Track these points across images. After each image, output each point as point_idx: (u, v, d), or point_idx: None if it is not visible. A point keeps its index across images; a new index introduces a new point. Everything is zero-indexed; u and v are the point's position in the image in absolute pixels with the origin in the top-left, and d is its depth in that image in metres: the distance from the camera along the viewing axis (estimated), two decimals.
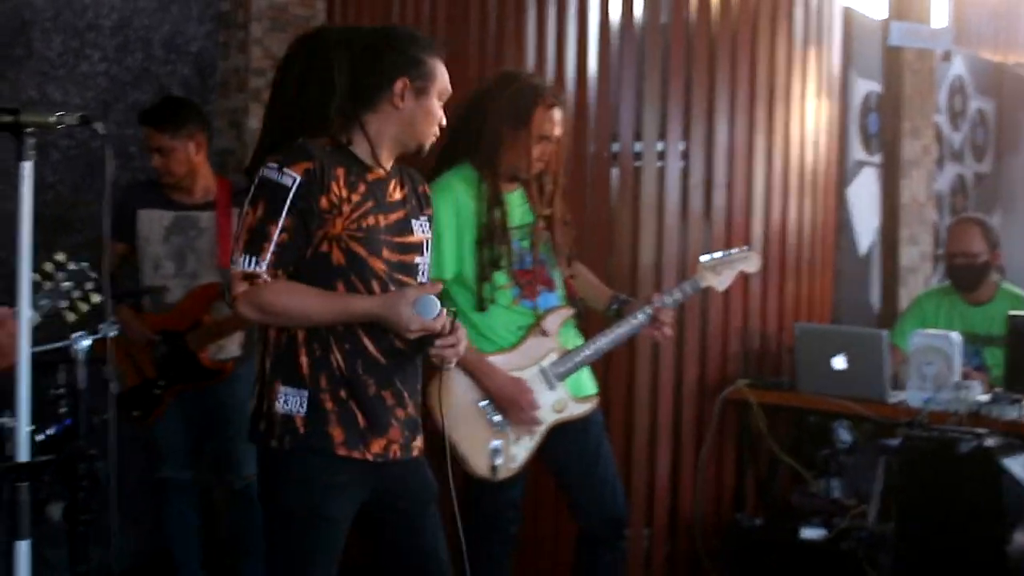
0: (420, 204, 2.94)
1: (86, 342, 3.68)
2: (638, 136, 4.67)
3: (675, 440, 4.66)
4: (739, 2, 4.84)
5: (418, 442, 2.90)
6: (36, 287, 2.75)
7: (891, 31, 5.78)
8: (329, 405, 2.73)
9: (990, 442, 3.79)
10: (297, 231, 2.68)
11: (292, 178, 2.65)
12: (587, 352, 3.66)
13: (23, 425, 2.33)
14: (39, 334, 3.33)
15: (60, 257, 2.94)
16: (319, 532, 2.74)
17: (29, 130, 2.31)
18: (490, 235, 3.52)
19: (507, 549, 3.71)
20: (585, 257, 4.05)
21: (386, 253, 2.78)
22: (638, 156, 4.67)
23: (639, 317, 3.70)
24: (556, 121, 3.57)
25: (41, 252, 2.59)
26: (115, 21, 4.89)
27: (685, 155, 4.70)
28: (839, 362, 4.51)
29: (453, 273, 3.53)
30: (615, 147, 4.64)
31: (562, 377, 3.61)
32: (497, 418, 3.52)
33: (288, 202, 2.65)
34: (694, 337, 4.69)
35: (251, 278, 2.66)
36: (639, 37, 4.63)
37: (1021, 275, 5.71)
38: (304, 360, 2.73)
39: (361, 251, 2.74)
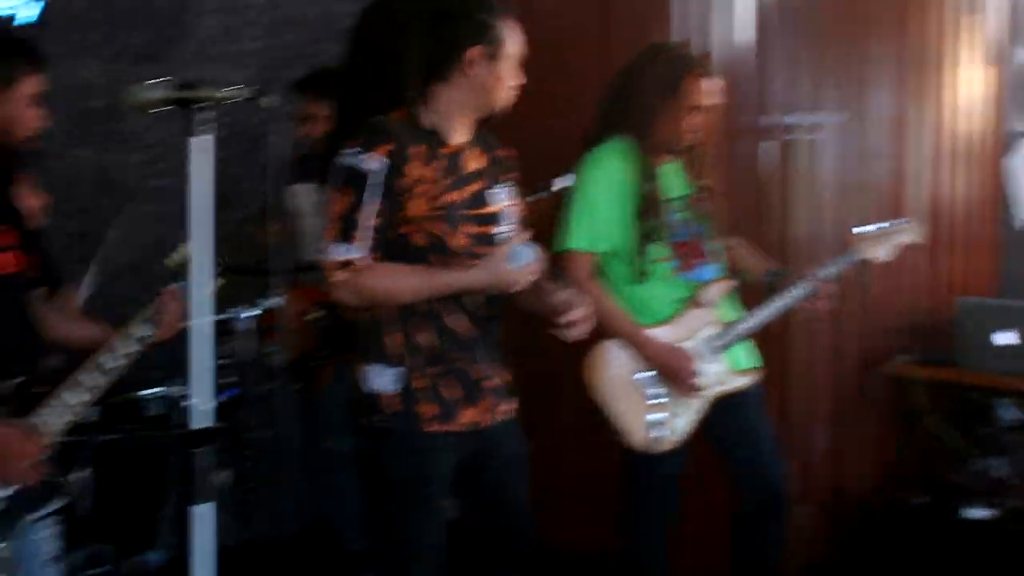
0: (499, 171, 2.94)
1: (249, 314, 3.78)
2: (789, 109, 4.58)
3: (833, 417, 4.57)
4: None
5: (507, 406, 2.96)
6: (174, 277, 2.89)
7: None
8: (418, 383, 2.79)
9: None
10: (384, 215, 2.73)
11: (376, 162, 2.71)
12: (746, 325, 3.61)
13: (199, 392, 2.37)
14: None
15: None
16: (423, 495, 2.83)
17: (198, 105, 2.34)
18: (646, 207, 3.49)
19: (666, 524, 3.68)
20: (736, 230, 4.00)
21: (465, 228, 2.81)
22: (789, 129, 4.58)
23: (798, 290, 3.64)
24: (707, 91, 3.53)
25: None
26: (269, 0, 4.98)
27: (837, 127, 4.60)
28: (1004, 338, 4.38)
29: (609, 247, 3.51)
30: (766, 120, 4.56)
31: (721, 350, 3.57)
32: (656, 391, 3.49)
33: (374, 187, 2.70)
34: (852, 311, 4.60)
35: (347, 265, 2.72)
36: (790, 7, 4.54)
37: None
38: (392, 339, 2.79)
39: (441, 230, 2.78)
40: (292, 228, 4.43)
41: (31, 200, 3.98)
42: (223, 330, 3.91)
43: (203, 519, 2.39)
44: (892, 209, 4.60)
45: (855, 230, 3.84)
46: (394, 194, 2.72)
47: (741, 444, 3.63)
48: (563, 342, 2.93)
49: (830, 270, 3.69)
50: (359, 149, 2.73)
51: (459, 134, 2.86)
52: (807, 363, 4.52)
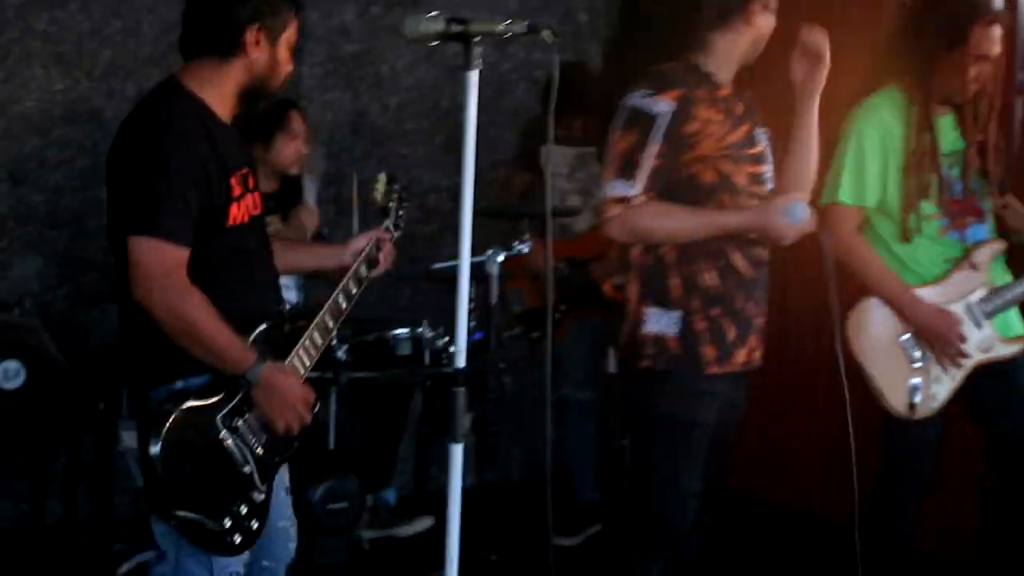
0: (756, 114, 3.02)
1: (500, 258, 3.77)
2: None
3: None
4: None
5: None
6: (384, 212, 3.00)
7: None
8: (701, 325, 2.86)
9: None
10: (668, 156, 2.81)
11: (664, 105, 2.80)
12: (1019, 290, 3.39)
13: (462, 333, 2.35)
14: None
15: (383, 177, 3.07)
16: (694, 438, 2.91)
17: (477, 39, 2.30)
18: (918, 162, 3.31)
19: (918, 492, 3.51)
20: (1015, 190, 3.77)
21: (744, 167, 2.90)
22: None
23: None
24: (995, 39, 3.30)
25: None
26: None
27: None
28: None
29: (876, 201, 3.34)
30: None
31: (990, 315, 3.36)
32: (918, 354, 3.32)
33: (661, 129, 2.79)
34: None
35: (624, 201, 2.81)
36: None
37: None
38: (674, 281, 2.86)
39: (729, 168, 2.87)
40: (543, 184, 4.41)
41: (290, 147, 4.07)
42: (472, 273, 3.91)
43: (457, 457, 2.37)
44: None
45: None
46: (680, 136, 2.81)
47: (1006, 415, 3.43)
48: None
49: None
50: (648, 92, 2.82)
51: (728, 80, 2.95)
52: None
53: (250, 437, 2.57)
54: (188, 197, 2.47)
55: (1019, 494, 3.48)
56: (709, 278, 2.86)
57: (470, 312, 3.99)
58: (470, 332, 3.96)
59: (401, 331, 3.88)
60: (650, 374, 2.89)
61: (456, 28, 2.32)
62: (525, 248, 3.90)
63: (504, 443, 4.98)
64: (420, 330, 3.89)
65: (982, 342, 3.36)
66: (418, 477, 4.24)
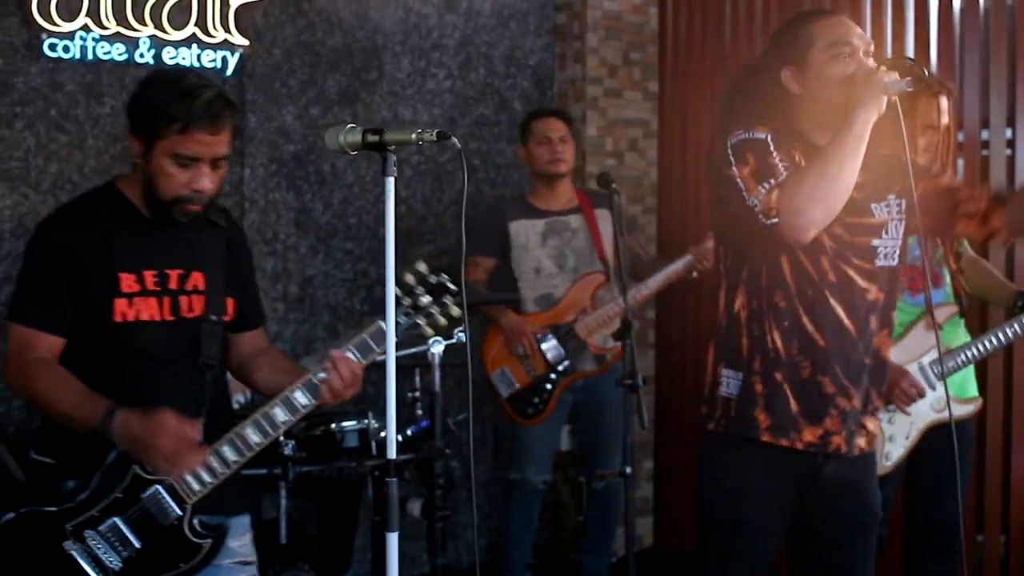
0: (883, 182, 2.70)
1: (440, 347, 3.87)
2: (985, 124, 4.44)
3: None
4: None
5: (861, 441, 2.72)
6: (396, 302, 2.59)
7: None
8: (759, 388, 2.64)
9: None
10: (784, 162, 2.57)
11: (762, 132, 2.57)
12: (972, 351, 3.51)
13: (392, 424, 2.44)
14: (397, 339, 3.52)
15: (422, 268, 2.72)
16: (735, 536, 2.69)
17: (392, 148, 2.43)
18: None
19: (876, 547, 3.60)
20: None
21: (838, 231, 2.62)
22: (985, 144, 4.45)
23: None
24: (943, 109, 3.45)
25: (398, 264, 2.62)
26: (458, 40, 5.12)
27: None
28: None
29: None
30: (960, 136, 4.44)
31: (944, 376, 3.47)
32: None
33: (771, 145, 2.55)
34: None
35: (778, 188, 2.50)
36: (983, 19, 4.41)
37: None
38: (745, 341, 2.66)
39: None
40: (512, 263, 4.59)
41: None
42: (419, 362, 4.01)
43: (392, 546, 2.46)
44: None
45: None
46: (787, 160, 2.56)
47: (937, 474, 3.53)
48: None
49: None
50: (742, 129, 2.60)
51: None
52: None
53: (103, 550, 2.55)
54: (52, 285, 2.60)
55: (928, 551, 3.62)
56: (775, 338, 2.62)
57: (416, 400, 4.12)
58: (416, 420, 4.09)
59: (348, 423, 3.95)
60: (711, 438, 2.71)
61: (372, 139, 2.43)
62: (463, 336, 4.00)
63: (460, 528, 5.05)
64: (367, 421, 3.97)
65: (936, 402, 3.47)
66: (375, 566, 4.28)
